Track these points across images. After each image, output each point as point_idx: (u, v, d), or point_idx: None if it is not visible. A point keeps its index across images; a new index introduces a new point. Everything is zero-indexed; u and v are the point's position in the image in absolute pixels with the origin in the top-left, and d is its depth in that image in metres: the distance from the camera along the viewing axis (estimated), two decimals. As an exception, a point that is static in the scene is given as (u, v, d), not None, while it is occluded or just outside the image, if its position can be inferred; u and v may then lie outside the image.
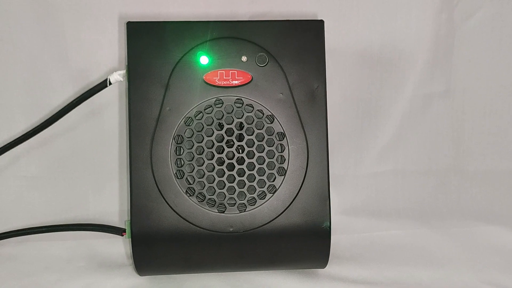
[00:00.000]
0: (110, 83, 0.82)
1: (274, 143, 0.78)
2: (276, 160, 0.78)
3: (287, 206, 0.77)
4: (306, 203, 0.77)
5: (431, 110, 1.03)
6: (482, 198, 1.05)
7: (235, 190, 0.77)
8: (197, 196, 0.77)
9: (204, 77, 0.77)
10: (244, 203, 0.77)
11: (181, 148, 0.77)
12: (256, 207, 0.77)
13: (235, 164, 0.77)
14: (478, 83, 1.02)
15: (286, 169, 0.77)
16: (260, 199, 0.77)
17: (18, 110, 0.96)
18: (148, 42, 0.77)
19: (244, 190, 0.77)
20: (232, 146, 0.77)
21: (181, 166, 0.77)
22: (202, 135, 0.77)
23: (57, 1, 0.93)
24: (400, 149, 1.04)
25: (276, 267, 0.82)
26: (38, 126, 0.87)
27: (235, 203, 0.77)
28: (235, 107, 0.78)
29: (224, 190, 0.77)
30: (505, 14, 1.00)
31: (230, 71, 0.77)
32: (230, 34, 0.78)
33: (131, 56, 0.77)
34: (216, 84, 0.77)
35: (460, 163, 1.05)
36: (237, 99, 0.78)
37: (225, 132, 0.77)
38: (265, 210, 0.77)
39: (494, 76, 1.02)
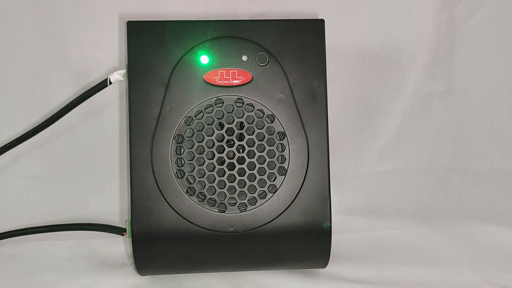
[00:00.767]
0: (110, 83, 0.82)
1: (274, 142, 0.78)
2: (277, 159, 0.78)
3: (287, 205, 0.77)
4: (306, 203, 0.77)
5: (431, 109, 1.03)
6: (483, 198, 1.04)
7: (236, 189, 0.77)
8: (197, 195, 0.77)
9: (204, 77, 0.77)
10: (244, 203, 0.77)
11: (182, 148, 0.77)
12: (257, 207, 0.77)
13: (236, 163, 0.77)
14: (478, 82, 1.02)
15: (286, 168, 0.77)
16: (260, 198, 0.77)
17: (18, 109, 0.96)
18: (148, 42, 0.77)
19: (245, 189, 0.77)
20: (232, 145, 0.77)
21: (182, 165, 0.77)
22: (202, 135, 0.77)
23: (57, 1, 0.93)
24: (400, 149, 1.04)
25: (277, 267, 0.82)
26: (38, 125, 0.87)
27: (235, 203, 0.77)
28: (235, 107, 0.78)
29: (225, 190, 0.77)
30: (505, 13, 1.00)
31: (231, 71, 0.77)
32: (231, 34, 0.78)
33: (131, 56, 0.77)
34: (216, 83, 0.77)
35: (461, 163, 1.05)
36: (237, 98, 0.77)
37: (226, 132, 0.77)
38: (266, 209, 0.77)
39: (495, 76, 1.02)
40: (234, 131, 0.77)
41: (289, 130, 0.78)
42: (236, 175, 0.77)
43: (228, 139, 0.77)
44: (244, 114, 0.78)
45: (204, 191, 0.77)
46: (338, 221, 0.99)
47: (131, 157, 0.76)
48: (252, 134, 0.78)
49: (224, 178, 0.77)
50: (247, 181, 0.77)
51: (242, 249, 0.78)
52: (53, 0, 0.93)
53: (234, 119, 0.78)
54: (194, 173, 0.77)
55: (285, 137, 0.78)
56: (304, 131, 0.78)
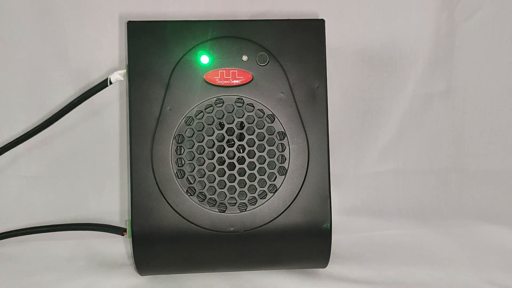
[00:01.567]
0: (110, 83, 0.82)
1: (274, 142, 0.78)
2: (277, 159, 0.78)
3: (287, 205, 0.77)
4: (306, 203, 0.77)
5: (431, 109, 1.03)
6: (483, 198, 1.04)
7: (236, 189, 0.77)
8: (197, 195, 0.77)
9: (204, 77, 0.77)
10: (244, 203, 0.77)
11: (182, 148, 0.77)
12: (257, 207, 0.77)
13: (236, 163, 0.77)
14: (478, 82, 1.02)
15: (286, 168, 0.77)
16: (260, 198, 0.77)
17: (18, 109, 0.96)
18: (148, 42, 0.77)
19: (245, 189, 0.77)
20: (232, 145, 0.77)
21: (182, 165, 0.77)
22: (202, 135, 0.77)
23: (57, 0, 0.93)
24: (400, 149, 1.04)
25: (277, 267, 0.82)
26: (38, 125, 0.87)
27: (235, 203, 0.77)
28: (235, 107, 0.78)
29: (225, 190, 0.77)
30: (505, 13, 1.00)
31: (231, 71, 0.77)
32: (231, 34, 0.78)
33: (131, 56, 0.77)
34: (216, 83, 0.77)
35: (461, 163, 1.05)
36: (237, 98, 0.77)
37: (226, 132, 0.77)
38: (266, 209, 0.77)
39: (495, 76, 1.02)
40: (234, 131, 0.77)
41: (289, 130, 0.78)
42: (236, 175, 0.77)
43: (228, 139, 0.77)
44: (244, 114, 0.78)
45: (204, 191, 0.77)
46: (338, 221, 0.99)
47: (131, 157, 0.76)
48: (252, 134, 0.78)
49: (224, 178, 0.77)
50: (247, 181, 0.77)
51: (242, 249, 0.78)
52: (53, 0, 0.93)
53: (234, 119, 0.78)
54: (194, 173, 0.77)
55: (285, 137, 0.78)
56: (304, 131, 0.78)
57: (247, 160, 0.77)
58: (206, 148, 0.77)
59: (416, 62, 1.00)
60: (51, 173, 0.98)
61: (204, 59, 0.77)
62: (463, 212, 1.04)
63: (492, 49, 1.01)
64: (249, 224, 0.76)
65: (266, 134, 0.78)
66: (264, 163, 0.77)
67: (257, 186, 0.77)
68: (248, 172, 0.77)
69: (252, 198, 0.77)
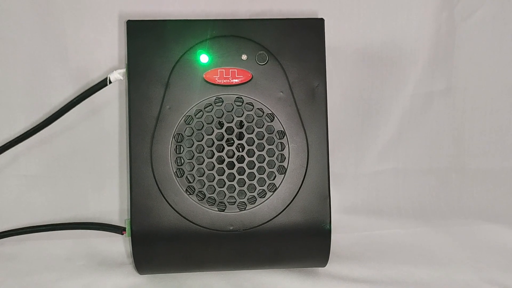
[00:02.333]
0: (110, 82, 0.82)
1: (274, 141, 0.78)
2: (276, 158, 0.78)
3: (287, 204, 0.77)
4: (306, 202, 0.77)
5: (431, 108, 1.03)
6: (483, 197, 1.04)
7: (235, 188, 0.77)
8: (197, 194, 0.77)
9: (204, 76, 0.77)
10: (244, 202, 0.77)
11: (181, 147, 0.77)
12: (256, 206, 0.77)
13: (235, 162, 0.77)
14: (479, 81, 1.02)
15: (286, 167, 0.77)
16: (260, 197, 0.77)
17: (18, 109, 0.96)
18: (148, 41, 0.77)
19: (244, 188, 0.77)
20: (232, 144, 0.77)
21: (181, 164, 0.77)
22: (202, 134, 0.77)
23: (57, 0, 0.93)
24: (400, 148, 1.04)
25: (276, 266, 0.82)
26: (38, 125, 0.87)
27: (235, 202, 0.77)
28: (235, 106, 0.77)
29: (224, 189, 0.77)
30: (505, 12, 1.00)
31: (230, 70, 0.77)
32: (230, 33, 0.78)
33: (131, 55, 0.77)
34: (216, 82, 0.77)
35: (461, 162, 1.04)
36: (237, 97, 0.77)
37: (225, 131, 0.77)
38: (265, 208, 0.77)
39: (495, 75, 1.02)
40: (233, 130, 0.77)
41: (289, 129, 0.77)
42: (236, 174, 0.77)
43: (227, 138, 0.77)
44: (243, 113, 0.78)
45: (204, 190, 0.77)
46: (338, 220, 0.98)
47: (131, 156, 0.76)
48: (252, 133, 0.77)
49: (224, 177, 0.77)
50: (246, 180, 0.77)
51: (241, 248, 0.77)
52: (53, -1, 0.93)
53: (233, 118, 0.77)
54: (193, 172, 0.77)
55: (285, 136, 0.77)
56: (304, 130, 0.77)
57: (247, 159, 0.77)
58: (205, 147, 0.77)
59: (416, 62, 1.00)
60: (51, 172, 0.98)
61: (204, 58, 0.77)
62: (463, 212, 1.04)
63: (492, 48, 1.01)
64: (249, 223, 0.76)
65: (265, 133, 0.77)
66: (263, 162, 0.77)
67: (256, 185, 0.77)
68: (247, 171, 0.77)
69: (252, 197, 0.77)
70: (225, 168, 0.77)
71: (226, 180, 0.77)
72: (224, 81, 0.77)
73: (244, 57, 0.77)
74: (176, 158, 0.76)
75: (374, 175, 1.04)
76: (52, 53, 0.95)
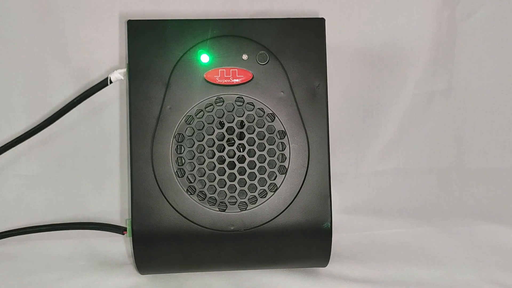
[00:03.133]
0: (111, 82, 0.82)
1: (275, 141, 0.78)
2: (277, 158, 0.78)
3: (288, 204, 0.77)
4: (307, 202, 0.77)
5: (432, 108, 1.03)
6: (484, 197, 1.04)
7: (236, 188, 0.77)
8: (198, 194, 0.76)
9: (205, 76, 0.77)
10: (245, 202, 0.77)
11: (182, 147, 0.77)
12: (257, 206, 0.77)
13: (236, 162, 0.77)
14: (479, 81, 1.02)
15: (287, 167, 0.77)
16: (261, 197, 0.77)
17: (19, 108, 0.96)
18: (148, 41, 0.77)
19: (245, 188, 0.77)
20: (233, 144, 0.77)
21: (182, 164, 0.77)
22: (203, 134, 0.77)
23: (58, 0, 0.93)
24: (401, 148, 1.04)
25: (277, 266, 0.82)
26: (38, 124, 0.87)
27: (236, 202, 0.77)
28: (236, 106, 0.77)
29: (225, 189, 0.77)
30: (506, 12, 1.00)
31: (231, 69, 0.77)
32: (231, 32, 0.78)
33: (131, 55, 0.77)
34: (217, 82, 0.77)
35: (462, 162, 1.04)
36: (238, 97, 0.77)
37: (226, 131, 0.77)
38: (266, 208, 0.77)
39: (496, 74, 1.02)
40: (234, 129, 0.77)
41: (290, 128, 0.77)
42: (237, 174, 0.77)
43: (228, 138, 0.77)
44: (244, 113, 0.77)
45: (205, 190, 0.77)
46: (339, 220, 0.98)
47: (132, 156, 0.76)
48: (253, 133, 0.77)
49: (225, 177, 0.77)
50: (247, 180, 0.77)
51: (242, 248, 0.77)
52: (53, -1, 0.93)
53: (234, 117, 0.77)
54: (194, 172, 0.77)
55: (286, 136, 0.77)
56: (305, 129, 0.77)
57: (247, 159, 0.77)
58: (206, 147, 0.77)
59: (416, 61, 1.00)
60: (51, 172, 0.98)
61: (204, 58, 0.77)
62: (463, 211, 1.03)
63: (493, 48, 1.01)
64: (249, 223, 0.76)
65: (266, 133, 0.77)
66: (264, 162, 0.77)
67: (257, 185, 0.77)
68: (248, 171, 0.77)
69: (252, 197, 0.77)
70: (226, 168, 0.77)
71: (227, 180, 0.77)
72: (225, 81, 0.77)
73: (245, 57, 0.77)
74: (177, 158, 0.76)
75: (375, 174, 1.04)
76: (53, 52, 0.94)
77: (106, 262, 0.87)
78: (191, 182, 0.77)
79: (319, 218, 0.77)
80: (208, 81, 0.77)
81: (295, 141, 0.77)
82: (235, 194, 0.77)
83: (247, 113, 0.77)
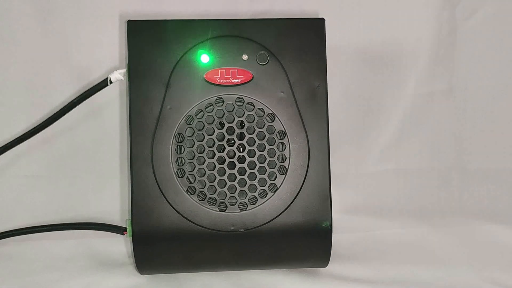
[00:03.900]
0: (110, 82, 0.82)
1: (275, 141, 0.78)
2: (277, 158, 0.78)
3: (288, 204, 0.77)
4: (307, 202, 0.77)
5: (433, 108, 1.03)
6: (484, 197, 1.04)
7: (236, 188, 0.77)
8: (198, 195, 0.76)
9: (205, 76, 0.77)
10: (245, 202, 0.77)
11: (182, 147, 0.77)
12: (257, 206, 0.77)
13: (236, 162, 0.77)
14: (480, 81, 1.02)
15: (287, 167, 0.77)
16: (261, 197, 0.77)
17: (19, 109, 0.96)
18: (148, 41, 0.77)
19: (245, 189, 0.77)
20: (233, 144, 0.77)
21: (182, 164, 0.76)
22: (203, 134, 0.77)
23: (58, 0, 0.93)
24: (401, 148, 1.04)
25: (277, 266, 0.82)
26: (39, 125, 0.87)
27: (236, 202, 0.77)
28: (235, 106, 0.77)
29: (225, 189, 0.77)
30: (507, 12, 1.00)
31: (231, 70, 0.77)
32: (231, 33, 0.78)
33: (131, 55, 0.77)
34: (217, 82, 0.77)
35: (462, 162, 1.04)
36: (237, 97, 0.77)
37: (226, 131, 0.77)
38: (266, 209, 0.77)
39: (496, 74, 1.02)
40: (234, 130, 0.77)
41: (290, 129, 0.77)
42: (237, 174, 0.77)
43: (228, 138, 0.77)
44: (244, 113, 0.77)
45: (204, 190, 0.77)
46: (339, 220, 0.98)
47: (131, 156, 0.76)
48: (253, 133, 0.77)
49: (225, 177, 0.77)
50: (247, 180, 0.77)
51: (242, 249, 0.77)
52: (54, -1, 0.93)
53: (234, 118, 0.77)
54: (194, 172, 0.77)
55: (286, 136, 0.77)
56: (305, 130, 0.77)
57: (247, 159, 0.77)
58: (206, 147, 0.77)
59: (417, 61, 1.00)
60: (52, 172, 0.98)
61: (204, 58, 0.77)
62: (464, 211, 1.03)
63: (494, 48, 1.01)
64: (250, 224, 0.76)
65: (266, 133, 0.77)
66: (264, 162, 0.77)
67: (257, 185, 0.77)
68: (248, 171, 0.77)
69: (253, 197, 0.77)
70: (226, 169, 0.77)
71: (227, 180, 0.77)
72: (225, 81, 0.77)
73: (244, 57, 0.77)
74: (177, 159, 0.76)
75: (375, 175, 1.04)
76: (53, 53, 0.94)
77: (106, 262, 0.87)
78: (191, 183, 0.77)
79: (319, 218, 0.77)
80: (208, 81, 0.77)
81: (295, 141, 0.77)
82: (235, 195, 0.77)
83: (247, 113, 0.77)
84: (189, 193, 0.76)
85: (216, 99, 0.77)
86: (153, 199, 0.76)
